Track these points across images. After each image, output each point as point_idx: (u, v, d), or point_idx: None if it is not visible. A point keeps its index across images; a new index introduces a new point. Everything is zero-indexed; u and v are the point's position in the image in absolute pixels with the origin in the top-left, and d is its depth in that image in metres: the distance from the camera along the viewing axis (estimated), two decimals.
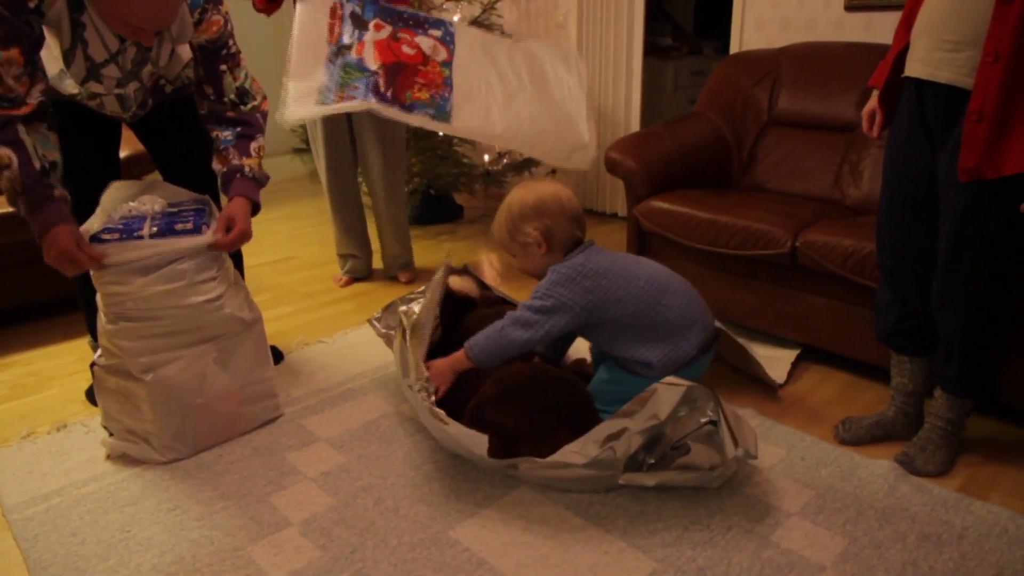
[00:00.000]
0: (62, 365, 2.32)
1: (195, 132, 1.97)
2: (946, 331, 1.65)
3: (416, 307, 1.92)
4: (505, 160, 4.10)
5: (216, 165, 1.88)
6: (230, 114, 1.87)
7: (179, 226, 1.68)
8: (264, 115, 1.96)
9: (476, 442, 1.54)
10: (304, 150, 5.81)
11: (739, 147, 2.79)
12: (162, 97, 1.93)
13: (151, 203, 1.76)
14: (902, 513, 1.57)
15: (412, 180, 3.80)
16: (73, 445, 1.86)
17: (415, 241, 3.29)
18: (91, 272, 1.66)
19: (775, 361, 2.23)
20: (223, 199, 1.94)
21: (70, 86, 1.72)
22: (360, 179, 3.06)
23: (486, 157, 4.12)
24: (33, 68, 1.55)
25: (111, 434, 1.80)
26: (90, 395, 2.05)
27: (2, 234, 2.49)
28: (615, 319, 1.51)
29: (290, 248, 3.60)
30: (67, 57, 1.62)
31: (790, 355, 2.27)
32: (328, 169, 2.87)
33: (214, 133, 1.88)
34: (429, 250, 3.52)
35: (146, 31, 1.55)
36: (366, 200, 3.10)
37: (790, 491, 1.65)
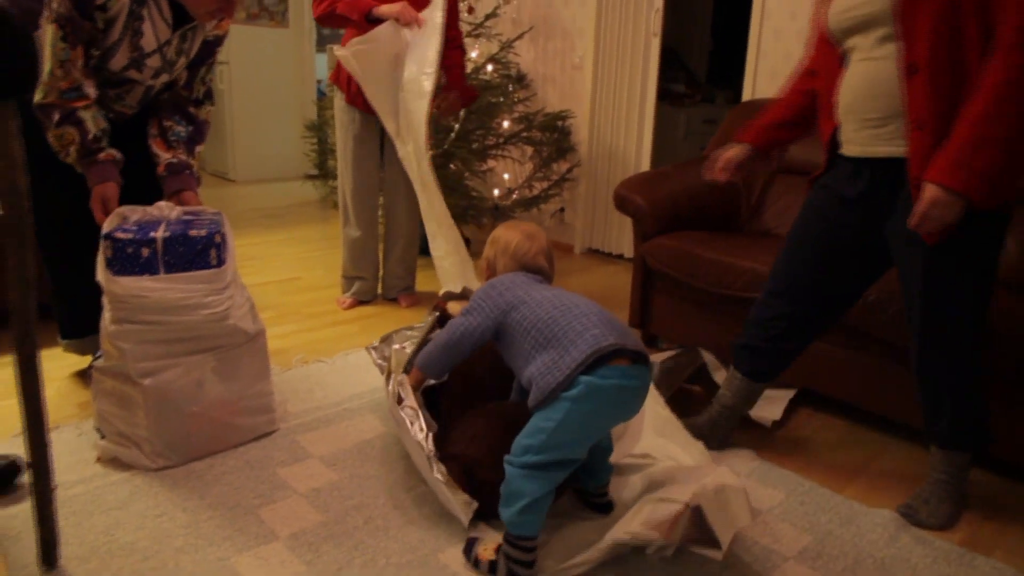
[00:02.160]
0: (59, 368, 2.30)
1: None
2: (933, 391, 1.66)
3: (409, 348, 1.93)
4: (515, 195, 4.14)
5: (162, 152, 1.97)
6: (190, 109, 2.02)
7: (193, 232, 1.69)
8: (208, 125, 2.10)
9: (460, 508, 1.56)
10: (315, 176, 5.88)
11: (748, 192, 2.81)
12: (149, 97, 2.02)
13: (168, 209, 1.78)
14: (902, 563, 1.53)
15: None
16: (64, 447, 1.84)
17: (419, 271, 3.29)
18: (101, 275, 1.67)
19: (772, 401, 2.21)
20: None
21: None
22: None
23: (496, 192, 4.16)
24: (88, 63, 1.74)
25: (103, 436, 1.79)
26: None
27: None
28: (518, 322, 1.49)
29: (296, 270, 3.61)
30: (111, 50, 1.75)
31: (787, 394, 2.25)
32: (355, 187, 2.90)
33: (167, 123, 1.99)
34: (433, 279, 3.52)
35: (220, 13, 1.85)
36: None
37: (788, 535, 1.62)
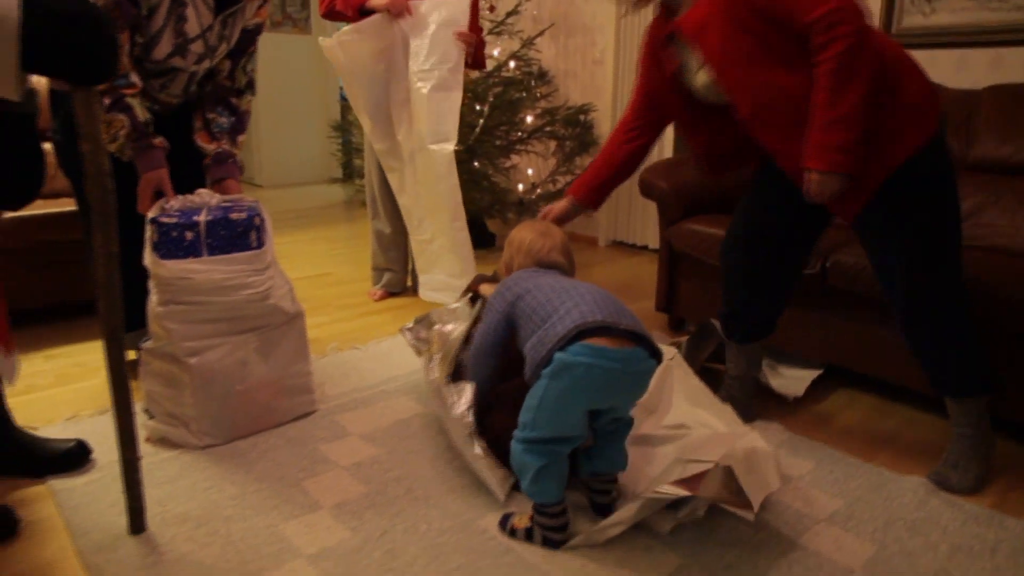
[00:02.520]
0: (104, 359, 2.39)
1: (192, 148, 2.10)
2: (932, 344, 1.70)
3: (451, 327, 1.97)
4: (538, 190, 4.19)
5: (207, 144, 2.04)
6: (232, 100, 2.08)
7: (233, 215, 1.76)
8: (249, 115, 2.16)
9: (496, 483, 1.62)
10: (339, 180, 5.97)
11: None
12: (191, 89, 2.08)
13: (208, 196, 1.85)
14: (933, 524, 1.56)
15: None
16: (114, 428, 1.91)
17: None
18: (148, 259, 1.75)
19: (796, 380, 2.23)
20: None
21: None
22: None
23: (520, 187, 4.21)
24: (131, 51, 1.80)
25: (151, 417, 1.86)
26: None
27: (52, 232, 2.61)
28: (522, 310, 1.53)
29: (325, 266, 3.70)
30: (155, 38, 1.82)
31: (812, 374, 2.27)
32: (382, 182, 2.96)
33: (210, 115, 2.05)
34: None
35: None
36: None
37: (819, 500, 1.64)
